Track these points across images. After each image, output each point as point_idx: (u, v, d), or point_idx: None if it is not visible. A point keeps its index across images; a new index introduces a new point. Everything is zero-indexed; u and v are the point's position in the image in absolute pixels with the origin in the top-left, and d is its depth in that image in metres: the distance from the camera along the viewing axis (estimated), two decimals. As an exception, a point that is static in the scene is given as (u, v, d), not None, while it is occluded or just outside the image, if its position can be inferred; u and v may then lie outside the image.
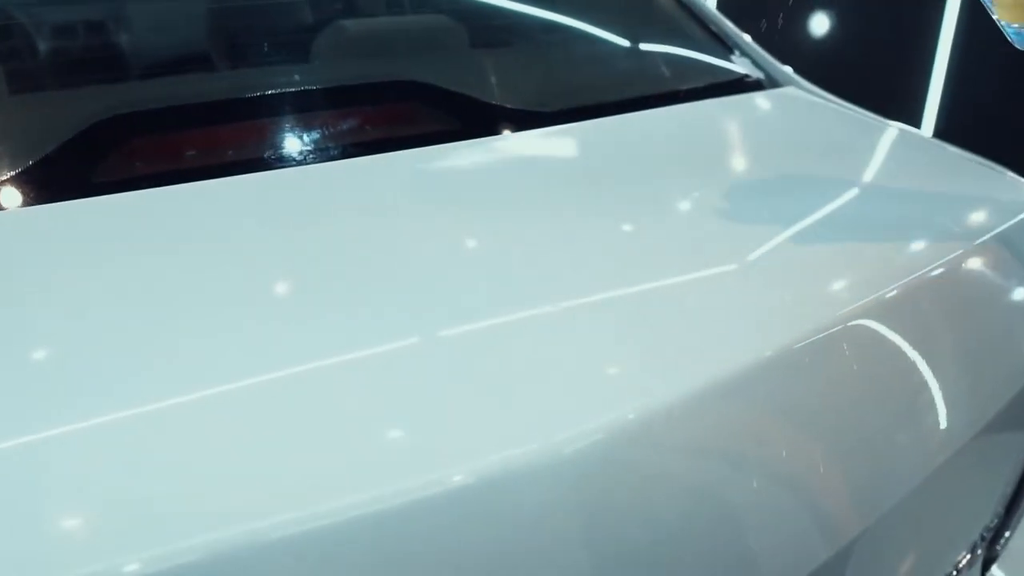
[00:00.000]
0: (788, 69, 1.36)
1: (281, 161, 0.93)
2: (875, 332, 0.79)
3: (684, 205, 0.95)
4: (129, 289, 0.71)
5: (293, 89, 1.04)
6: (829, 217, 0.94)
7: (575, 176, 0.99)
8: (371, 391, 0.61)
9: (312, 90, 1.03)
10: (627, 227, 0.87)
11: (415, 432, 0.58)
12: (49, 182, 0.85)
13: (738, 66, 1.32)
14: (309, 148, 0.95)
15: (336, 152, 0.95)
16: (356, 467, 0.55)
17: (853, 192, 1.01)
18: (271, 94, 0.98)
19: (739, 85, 1.27)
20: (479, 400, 0.61)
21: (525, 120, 1.07)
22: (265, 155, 0.93)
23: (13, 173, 0.85)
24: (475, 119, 1.06)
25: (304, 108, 1.02)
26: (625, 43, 1.34)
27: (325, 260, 0.76)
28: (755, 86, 1.29)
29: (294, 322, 0.67)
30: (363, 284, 0.73)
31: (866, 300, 0.78)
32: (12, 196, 0.84)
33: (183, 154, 0.94)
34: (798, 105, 1.26)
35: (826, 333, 0.74)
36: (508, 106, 1.10)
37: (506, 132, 1.05)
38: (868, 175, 1.08)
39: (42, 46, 1.08)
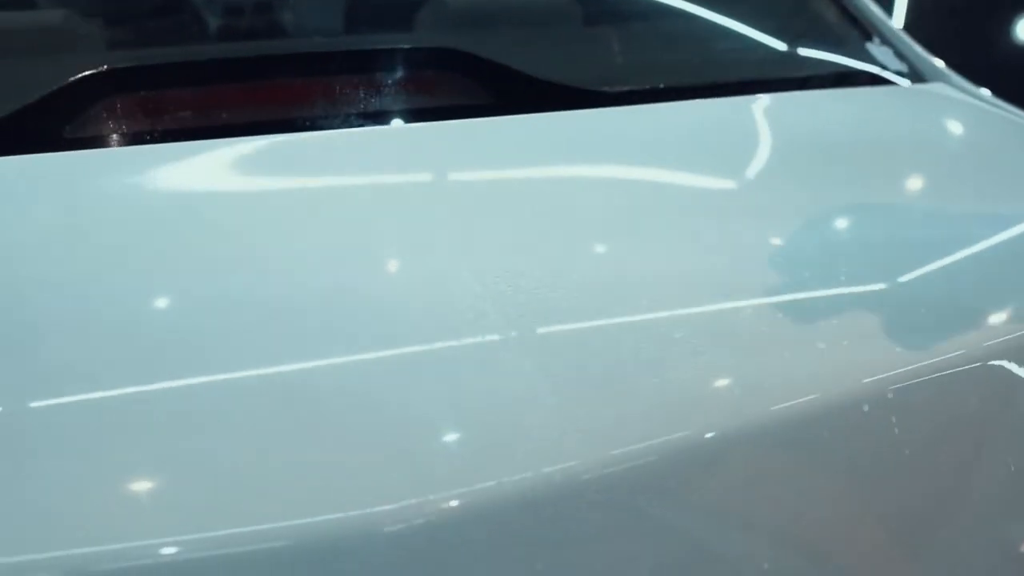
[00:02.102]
0: (939, 63, 1.15)
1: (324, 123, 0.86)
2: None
3: (775, 214, 0.78)
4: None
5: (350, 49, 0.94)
6: (966, 240, 0.75)
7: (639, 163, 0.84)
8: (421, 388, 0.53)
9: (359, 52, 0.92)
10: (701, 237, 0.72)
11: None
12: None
13: (876, 55, 1.12)
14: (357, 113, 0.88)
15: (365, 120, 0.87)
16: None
17: (1002, 213, 0.81)
18: (295, 54, 0.89)
19: (871, 77, 1.07)
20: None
21: (604, 99, 0.93)
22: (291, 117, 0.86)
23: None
24: (543, 92, 0.92)
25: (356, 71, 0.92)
26: (736, 22, 1.16)
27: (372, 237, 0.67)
28: (893, 80, 1.08)
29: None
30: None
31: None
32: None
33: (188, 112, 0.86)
34: (943, 104, 1.05)
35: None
36: (594, 87, 0.96)
37: (585, 108, 0.91)
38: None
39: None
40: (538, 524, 0.48)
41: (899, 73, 1.10)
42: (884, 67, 1.10)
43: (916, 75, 1.11)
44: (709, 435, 0.53)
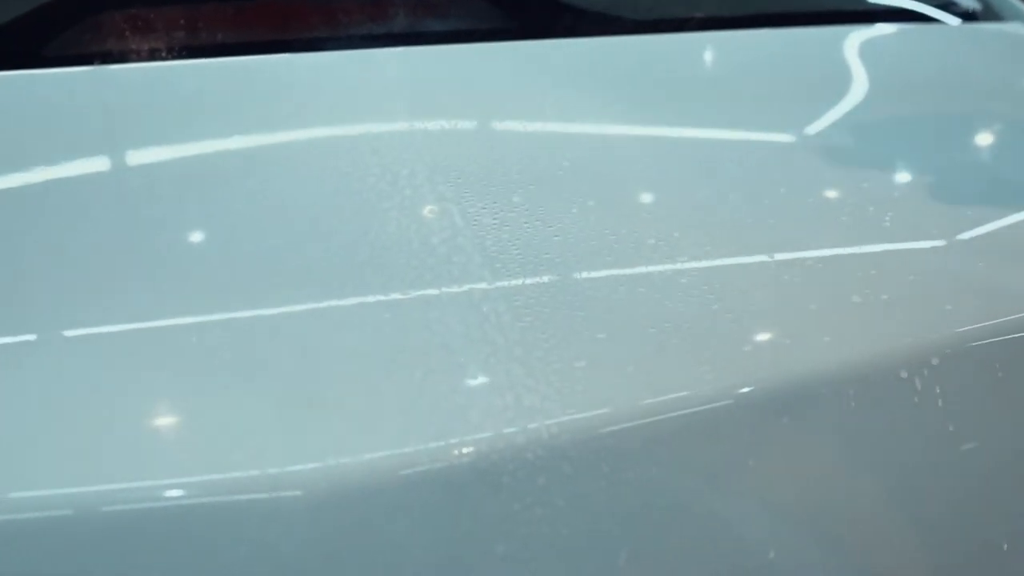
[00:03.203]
0: (1017, 2, 1.04)
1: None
2: None
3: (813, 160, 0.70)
4: None
5: None
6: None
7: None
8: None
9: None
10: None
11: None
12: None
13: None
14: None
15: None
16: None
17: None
18: None
19: (935, 14, 0.97)
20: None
21: (633, 26, 0.86)
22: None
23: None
24: (566, 16, 0.84)
25: None
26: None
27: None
28: (964, 17, 0.98)
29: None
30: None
31: None
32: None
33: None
34: (1015, 43, 0.94)
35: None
36: (622, 13, 0.87)
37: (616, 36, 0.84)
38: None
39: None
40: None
41: (969, 11, 1.00)
42: (951, 4, 0.99)
43: (991, 13, 1.00)
44: (738, 392, 0.46)
